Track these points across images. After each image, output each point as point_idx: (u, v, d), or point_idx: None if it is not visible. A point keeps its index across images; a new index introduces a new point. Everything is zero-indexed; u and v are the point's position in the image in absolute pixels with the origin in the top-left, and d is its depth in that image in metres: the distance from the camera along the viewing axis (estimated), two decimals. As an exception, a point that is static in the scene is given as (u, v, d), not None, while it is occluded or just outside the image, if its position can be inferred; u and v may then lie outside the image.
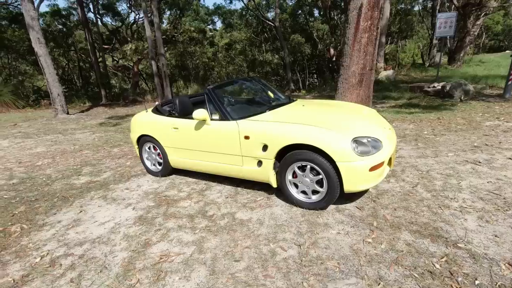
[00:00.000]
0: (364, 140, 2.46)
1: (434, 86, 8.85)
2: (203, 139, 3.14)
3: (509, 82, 6.97)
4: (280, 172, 2.75)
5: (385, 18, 13.45)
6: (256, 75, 22.59)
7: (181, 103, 3.65)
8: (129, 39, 18.67)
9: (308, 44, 18.95)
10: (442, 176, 3.12)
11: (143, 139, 3.80)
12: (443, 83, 8.66)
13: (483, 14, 13.87)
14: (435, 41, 19.39)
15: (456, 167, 3.30)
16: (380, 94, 9.38)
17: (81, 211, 3.11)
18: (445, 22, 9.33)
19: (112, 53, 19.75)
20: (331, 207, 2.72)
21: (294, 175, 2.71)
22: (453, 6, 14.49)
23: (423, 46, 25.46)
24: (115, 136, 6.66)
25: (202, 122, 3.12)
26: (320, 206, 2.65)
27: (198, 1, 19.59)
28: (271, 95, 3.66)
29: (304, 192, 2.73)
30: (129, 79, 22.59)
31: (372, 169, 2.40)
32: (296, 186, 2.76)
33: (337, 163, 2.41)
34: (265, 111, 3.08)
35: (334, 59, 19.06)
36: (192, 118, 3.17)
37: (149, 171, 3.95)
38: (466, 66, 14.78)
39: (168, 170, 3.74)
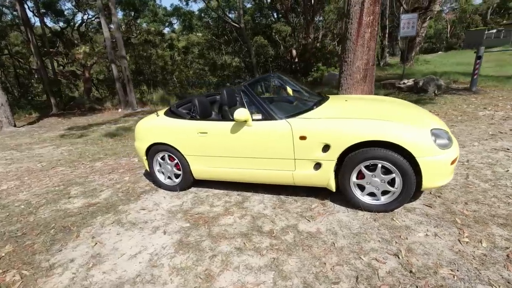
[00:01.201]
0: (440, 132, 2.30)
1: (404, 83, 9.38)
2: (243, 143, 2.72)
3: (475, 77, 7.62)
4: (342, 174, 2.46)
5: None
6: (217, 79, 22.09)
7: (201, 104, 3.18)
8: (76, 41, 16.84)
9: (270, 46, 19.04)
10: (485, 165, 3.13)
11: (154, 149, 3.22)
12: (413, 79, 9.22)
13: (428, 17, 15.27)
14: (385, 42, 20.95)
15: (491, 156, 3.36)
16: None
17: (96, 243, 2.47)
18: (407, 22, 9.94)
19: (56, 57, 17.62)
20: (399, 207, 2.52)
21: (359, 176, 2.45)
22: (402, 9, 15.72)
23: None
24: (89, 149, 5.76)
25: (241, 124, 2.70)
26: (392, 207, 2.42)
27: (154, 2, 18.45)
28: (302, 91, 3.37)
29: (371, 194, 2.48)
30: (75, 86, 20.40)
31: (453, 162, 2.25)
32: (361, 188, 2.50)
33: (417, 159, 2.20)
34: (312, 108, 2.77)
35: (296, 60, 19.49)
36: (219, 119, 2.75)
37: (163, 186, 3.37)
38: (416, 64, 16.13)
39: (188, 182, 3.21)
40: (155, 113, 3.35)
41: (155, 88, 14.66)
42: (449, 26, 34.76)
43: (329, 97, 3.22)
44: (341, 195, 2.64)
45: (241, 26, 15.82)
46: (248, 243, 2.28)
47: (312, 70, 15.30)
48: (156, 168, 3.34)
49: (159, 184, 3.40)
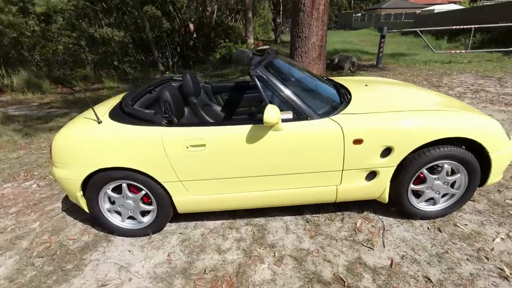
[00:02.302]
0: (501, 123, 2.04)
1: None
2: (266, 156, 1.84)
3: (380, 55, 8.44)
4: (400, 182, 1.95)
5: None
6: (97, 56, 18.28)
7: (173, 97, 2.07)
8: None
9: (164, 19, 16.78)
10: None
11: (99, 178, 1.93)
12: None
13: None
14: (278, 20, 21.65)
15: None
16: None
17: None
18: None
19: None
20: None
21: (416, 181, 2.00)
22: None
23: (264, 24, 27.99)
24: None
25: (264, 129, 1.80)
26: (451, 211, 2.08)
27: None
28: (313, 76, 2.58)
29: (428, 200, 2.08)
30: None
31: None
32: (416, 194, 2.06)
33: (490, 154, 1.88)
34: (347, 100, 2.09)
35: (194, 35, 17.92)
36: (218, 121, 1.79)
37: (119, 231, 2.12)
38: (312, 42, 17.24)
39: (166, 219, 2.10)
40: (98, 120, 1.96)
41: (14, 69, 10.75)
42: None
43: (339, 83, 2.59)
44: (373, 200, 2.15)
45: (128, -9, 13.10)
46: (321, 308, 1.54)
47: (218, 46, 14.27)
48: (105, 206, 2.06)
49: (111, 229, 2.13)
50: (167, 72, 13.43)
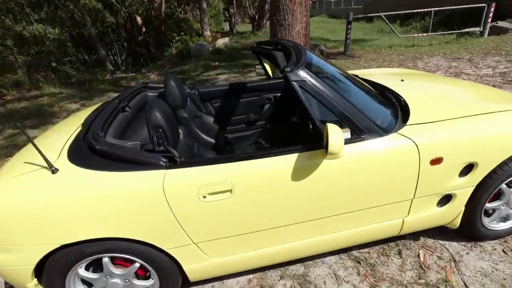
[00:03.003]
0: None
1: (283, 50, 9.29)
2: (318, 194, 1.30)
3: (348, 41, 8.24)
4: (476, 201, 1.55)
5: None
6: (31, 58, 15.94)
7: (165, 116, 1.44)
8: None
9: (107, 12, 15.05)
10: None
11: (64, 257, 1.23)
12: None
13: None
14: (231, 10, 20.80)
15: None
16: (240, 62, 8.90)
17: None
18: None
19: None
20: None
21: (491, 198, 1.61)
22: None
23: (216, 15, 26.89)
24: None
25: (316, 157, 1.26)
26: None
27: None
28: (348, 75, 2.01)
29: (505, 218, 1.72)
30: None
31: None
32: (485, 212, 1.68)
33: None
34: (405, 106, 1.60)
35: (143, 29, 16.39)
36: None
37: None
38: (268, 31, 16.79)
39: (172, 293, 1.47)
40: (51, 168, 1.22)
41: None
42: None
43: (372, 81, 2.09)
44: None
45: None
46: None
47: (173, 41, 13.14)
48: (78, 292, 1.36)
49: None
50: (117, 72, 12.01)
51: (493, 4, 7.41)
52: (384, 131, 1.34)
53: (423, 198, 1.45)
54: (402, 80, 2.00)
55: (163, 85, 2.25)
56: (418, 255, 1.70)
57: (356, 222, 1.45)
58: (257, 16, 17.09)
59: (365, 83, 1.82)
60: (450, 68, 5.37)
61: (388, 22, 9.15)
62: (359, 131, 1.30)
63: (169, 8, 18.68)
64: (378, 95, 1.68)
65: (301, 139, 1.70)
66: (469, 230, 1.67)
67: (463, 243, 1.76)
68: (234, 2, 19.24)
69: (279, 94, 2.53)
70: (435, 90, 1.83)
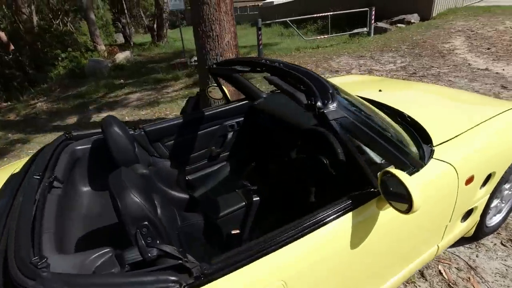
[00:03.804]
0: None
1: (196, 61, 8.88)
2: (372, 251, 1.03)
3: (260, 47, 8.36)
4: (487, 207, 1.53)
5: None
6: None
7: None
8: None
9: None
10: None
11: None
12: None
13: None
14: (124, 20, 18.94)
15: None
16: (150, 78, 8.11)
17: None
18: (176, -5, 9.10)
19: None
20: None
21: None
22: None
23: (104, 26, 24.15)
24: None
25: (368, 210, 0.98)
26: (508, 215, 1.85)
27: None
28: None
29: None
30: None
31: None
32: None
33: None
34: (416, 124, 1.43)
35: (11, 47, 13.31)
36: None
37: None
38: (173, 41, 15.92)
39: None
40: None
41: None
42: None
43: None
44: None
45: None
46: None
47: (59, 58, 11.04)
48: None
49: None
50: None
51: (374, 8, 8.62)
52: (422, 159, 1.16)
53: (454, 219, 1.34)
54: (380, 91, 1.91)
55: (94, 131, 1.62)
56: (440, 272, 1.62)
57: (404, 263, 1.24)
58: (155, 26, 15.95)
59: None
60: (361, 66, 5.93)
61: (294, 27, 9.74)
62: (405, 167, 1.08)
63: (43, 20, 15.73)
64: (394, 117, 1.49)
65: (309, 180, 1.39)
66: (477, 233, 1.67)
67: (467, 245, 1.76)
68: (126, 11, 17.50)
69: (242, 119, 2.17)
70: (425, 100, 1.79)
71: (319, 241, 0.91)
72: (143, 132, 1.80)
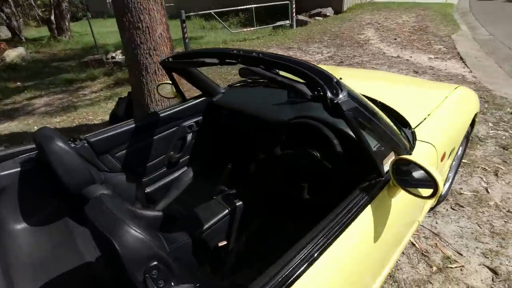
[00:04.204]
0: None
1: (113, 57, 7.99)
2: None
3: (187, 41, 7.93)
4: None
5: None
6: None
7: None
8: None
9: None
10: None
11: None
12: (115, 52, 8.16)
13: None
14: (7, 10, 15.69)
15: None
16: (58, 79, 6.97)
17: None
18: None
19: None
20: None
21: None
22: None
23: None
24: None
25: (381, 199, 0.95)
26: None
27: None
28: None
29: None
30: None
31: None
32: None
33: None
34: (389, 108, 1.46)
35: None
36: None
37: None
38: (78, 35, 13.91)
39: None
40: None
41: None
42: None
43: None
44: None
45: None
46: None
47: None
48: None
49: None
50: None
51: (294, 1, 9.01)
52: (412, 142, 1.19)
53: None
54: (340, 78, 1.93)
55: (21, 149, 1.24)
56: (412, 244, 1.75)
57: (400, 240, 1.28)
58: (52, 18, 13.63)
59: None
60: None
61: (219, 20, 9.54)
62: (401, 151, 1.09)
63: None
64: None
65: (301, 176, 1.31)
66: (437, 203, 1.85)
67: (426, 215, 1.95)
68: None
69: (200, 118, 1.96)
70: (385, 86, 1.87)
71: (351, 241, 0.84)
72: (86, 144, 1.45)
